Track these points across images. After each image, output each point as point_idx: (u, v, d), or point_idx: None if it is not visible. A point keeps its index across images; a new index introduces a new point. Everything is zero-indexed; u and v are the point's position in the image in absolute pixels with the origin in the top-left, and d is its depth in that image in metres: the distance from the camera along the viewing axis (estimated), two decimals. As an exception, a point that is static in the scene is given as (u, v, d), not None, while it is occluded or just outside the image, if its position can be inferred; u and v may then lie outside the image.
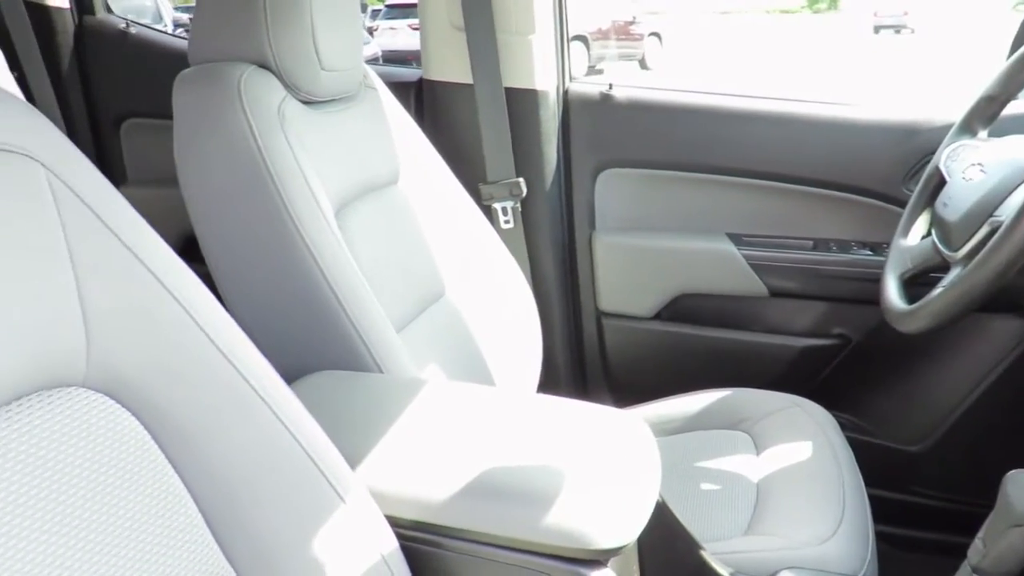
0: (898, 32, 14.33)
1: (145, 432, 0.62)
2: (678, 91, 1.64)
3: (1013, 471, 0.86)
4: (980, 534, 0.85)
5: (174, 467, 0.64)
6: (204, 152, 1.06)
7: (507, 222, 1.64)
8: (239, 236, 1.06)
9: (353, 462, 0.80)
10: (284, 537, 0.68)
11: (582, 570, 0.77)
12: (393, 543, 0.77)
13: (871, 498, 1.20)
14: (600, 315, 1.73)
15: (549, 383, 1.71)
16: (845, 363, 1.64)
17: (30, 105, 0.61)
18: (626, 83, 1.65)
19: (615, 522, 0.76)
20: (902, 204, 1.50)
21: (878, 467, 1.30)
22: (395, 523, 0.78)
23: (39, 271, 0.57)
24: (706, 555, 1.00)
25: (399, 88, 1.48)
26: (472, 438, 0.86)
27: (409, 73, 1.77)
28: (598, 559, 0.77)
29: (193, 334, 0.66)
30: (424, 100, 1.70)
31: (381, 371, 1.06)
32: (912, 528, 1.51)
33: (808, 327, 1.63)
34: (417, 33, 1.69)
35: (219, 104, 1.05)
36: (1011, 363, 1.51)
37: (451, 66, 1.63)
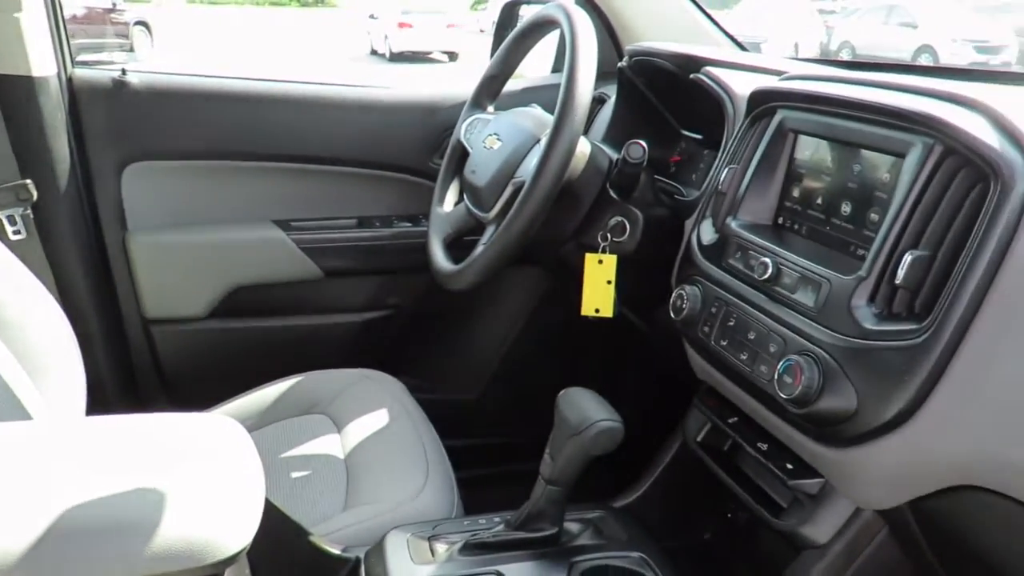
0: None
1: None
2: (203, 76, 1.55)
3: (564, 390, 1.00)
4: (547, 450, 0.99)
5: None
6: None
7: (16, 232, 1.40)
8: None
9: None
10: None
11: (199, 589, 0.71)
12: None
13: (447, 449, 1.31)
14: (147, 323, 1.58)
15: (98, 405, 1.51)
16: (402, 330, 1.74)
17: None
18: (142, 68, 1.51)
19: (227, 530, 0.71)
20: (432, 177, 1.63)
21: (447, 420, 1.41)
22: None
23: None
24: (315, 539, 0.99)
25: None
26: (26, 487, 0.72)
27: None
28: (215, 572, 0.72)
29: None
30: None
31: None
32: (488, 467, 1.68)
33: (365, 302, 1.69)
34: None
35: None
36: (536, 307, 1.76)
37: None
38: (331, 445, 1.29)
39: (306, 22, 20.27)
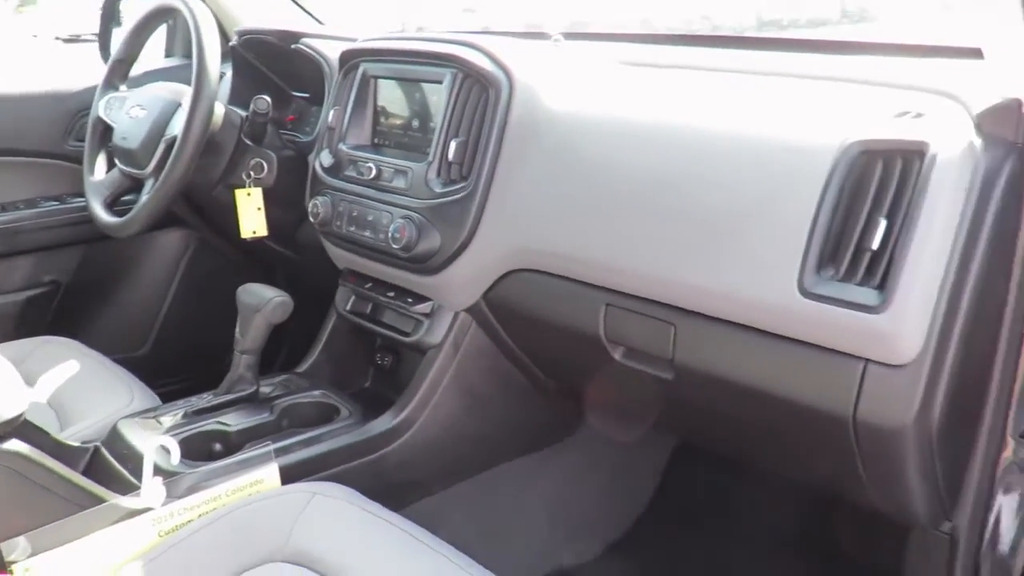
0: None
1: None
2: None
3: (242, 286, 1.33)
4: (237, 329, 1.31)
5: None
6: None
7: None
8: None
9: None
10: None
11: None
12: None
13: None
14: None
15: None
16: (64, 302, 1.88)
17: None
18: None
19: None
20: (71, 158, 1.80)
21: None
22: None
23: None
24: (56, 436, 1.20)
25: None
26: None
27: None
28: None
29: None
30: None
31: None
32: None
33: (23, 281, 1.81)
34: None
35: None
36: (189, 264, 2.01)
37: None
38: (30, 395, 1.45)
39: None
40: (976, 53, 1.01)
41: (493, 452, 1.46)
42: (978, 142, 0.86)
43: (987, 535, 1.02)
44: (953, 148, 0.85)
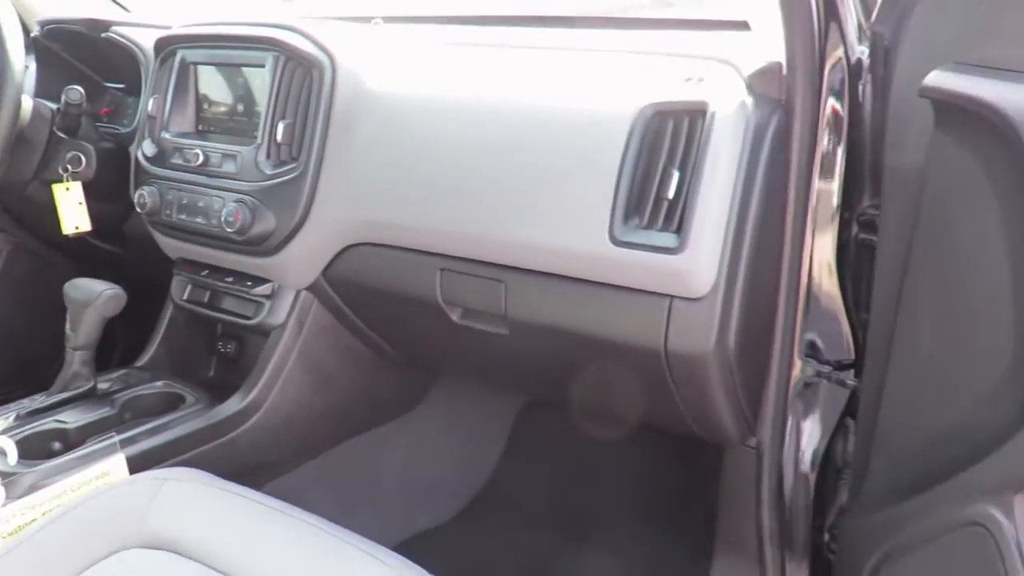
0: None
1: None
2: None
3: (68, 282, 1.29)
4: (67, 326, 1.27)
5: None
6: None
7: None
8: None
9: None
10: None
11: None
12: None
13: None
14: None
15: None
16: None
17: None
18: None
19: None
20: None
21: None
22: None
23: None
24: None
25: None
26: None
27: None
28: None
29: None
30: None
31: None
32: None
33: None
34: None
35: None
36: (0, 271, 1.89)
37: None
38: None
39: None
40: (744, 25, 1.15)
41: (344, 426, 1.50)
42: (749, 100, 0.99)
43: (786, 445, 1.18)
44: (729, 106, 0.97)
